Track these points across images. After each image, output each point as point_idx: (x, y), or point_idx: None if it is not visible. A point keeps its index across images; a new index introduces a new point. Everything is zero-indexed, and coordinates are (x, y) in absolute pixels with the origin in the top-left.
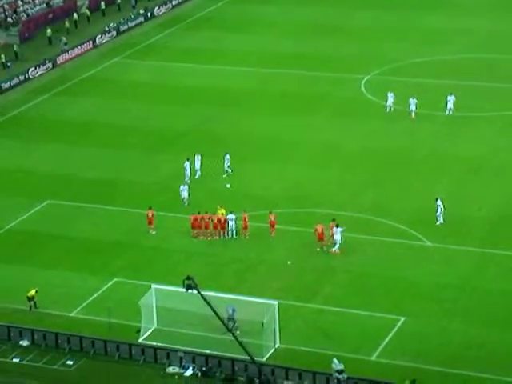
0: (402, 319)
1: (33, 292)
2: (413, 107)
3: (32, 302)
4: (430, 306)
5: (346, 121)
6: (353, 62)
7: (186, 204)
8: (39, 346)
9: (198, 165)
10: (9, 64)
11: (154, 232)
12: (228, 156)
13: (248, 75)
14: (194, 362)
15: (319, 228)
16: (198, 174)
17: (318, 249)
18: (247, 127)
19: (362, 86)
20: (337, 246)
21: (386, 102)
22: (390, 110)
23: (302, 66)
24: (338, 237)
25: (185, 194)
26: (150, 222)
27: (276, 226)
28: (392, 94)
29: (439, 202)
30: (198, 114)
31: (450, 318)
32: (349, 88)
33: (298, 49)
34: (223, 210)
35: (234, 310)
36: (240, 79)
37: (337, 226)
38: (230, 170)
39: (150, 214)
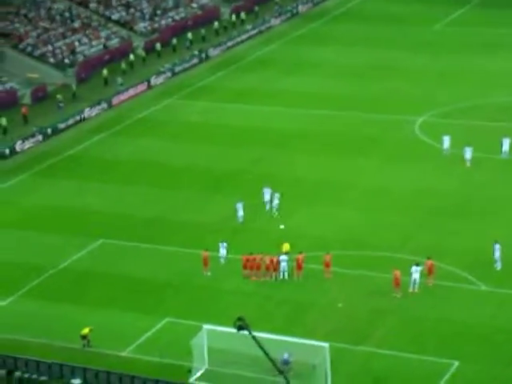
0: (456, 363)
1: (87, 330)
2: (468, 155)
3: (85, 341)
4: (484, 351)
5: (399, 163)
6: (407, 104)
7: (241, 221)
8: None
9: (267, 197)
10: (61, 105)
11: (208, 273)
12: (278, 195)
13: (300, 116)
14: None
15: (397, 273)
16: (272, 207)
17: (395, 294)
18: (299, 169)
19: (417, 128)
20: (415, 285)
21: (443, 145)
22: (447, 153)
23: (355, 107)
24: (416, 275)
25: (240, 213)
26: (205, 264)
27: (331, 268)
28: (448, 137)
29: (498, 245)
30: (249, 154)
31: (505, 362)
32: (403, 130)
33: (351, 90)
34: (287, 245)
35: (290, 355)
36: (292, 120)
37: (417, 265)
38: (276, 212)
39: (206, 256)
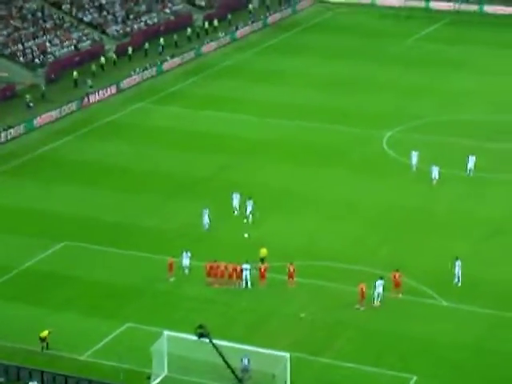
0: (414, 378)
1: (46, 333)
2: (435, 174)
3: (44, 343)
4: (442, 366)
5: (365, 176)
6: (375, 118)
7: (207, 228)
8: None
9: (235, 203)
10: (31, 104)
11: (172, 279)
12: (251, 201)
13: (268, 126)
14: None
15: (362, 286)
16: (245, 214)
17: (358, 307)
18: (265, 177)
19: (384, 143)
20: (378, 298)
21: (411, 160)
22: (415, 169)
23: (324, 119)
24: (380, 289)
25: (206, 220)
26: (170, 269)
27: (294, 278)
28: (416, 153)
29: (458, 262)
30: (216, 161)
31: (462, 378)
32: (370, 144)
33: (321, 102)
34: (265, 250)
35: (249, 361)
36: (260, 129)
37: (381, 279)
38: (250, 217)
39: (171, 262)
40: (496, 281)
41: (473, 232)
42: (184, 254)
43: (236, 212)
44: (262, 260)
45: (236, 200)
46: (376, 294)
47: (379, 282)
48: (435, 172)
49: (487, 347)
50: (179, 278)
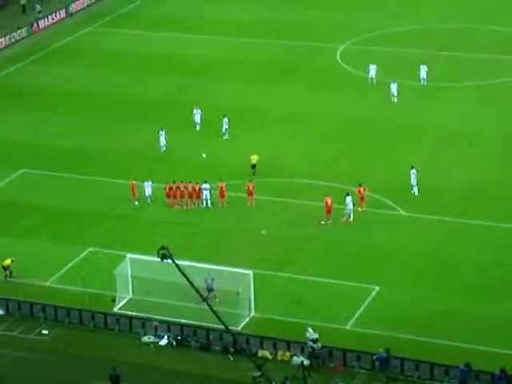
0: (377, 288)
1: (8, 261)
2: (394, 91)
3: (7, 272)
4: (404, 275)
5: (321, 90)
6: (328, 31)
7: (164, 150)
8: (14, 315)
9: (197, 118)
10: None
11: (136, 203)
12: (226, 119)
13: (221, 44)
14: (169, 331)
15: (328, 201)
16: (221, 132)
17: (323, 222)
18: (222, 96)
19: (338, 56)
20: (351, 214)
21: (368, 73)
22: (372, 81)
23: (276, 35)
24: (350, 206)
25: (163, 141)
26: (133, 193)
27: (254, 196)
28: (374, 66)
29: (414, 171)
30: (172, 83)
31: (424, 286)
32: (324, 57)
33: (272, 18)
34: (256, 156)
35: (212, 280)
36: (215, 48)
37: (347, 195)
38: (227, 134)
39: (133, 185)
40: (452, 188)
41: (427, 142)
42: (145, 182)
43: (198, 127)
44: (254, 166)
45: (198, 115)
46: (348, 210)
47: (349, 198)
48: (394, 89)
49: (447, 254)
50: (142, 203)
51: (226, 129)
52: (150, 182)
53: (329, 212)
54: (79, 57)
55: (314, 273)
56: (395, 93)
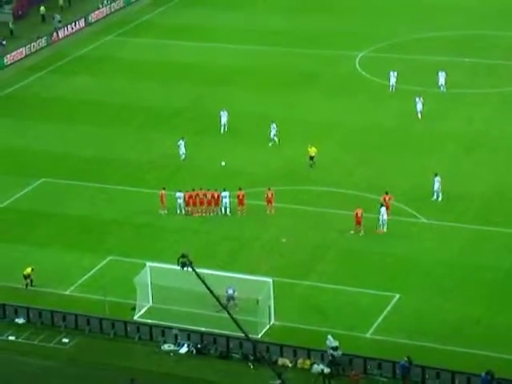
0: (397, 296)
1: (29, 270)
2: (420, 107)
3: (28, 280)
4: (425, 283)
5: (340, 98)
6: (346, 39)
7: (183, 158)
8: (35, 323)
9: (224, 120)
10: (4, 42)
11: (164, 212)
12: (274, 125)
13: (240, 53)
14: (188, 339)
15: (358, 212)
16: (269, 137)
17: (352, 232)
18: (240, 105)
19: (357, 63)
20: (385, 225)
21: (389, 81)
22: (393, 89)
23: (295, 43)
24: (385, 216)
25: (182, 150)
26: (162, 202)
27: (273, 204)
28: (395, 73)
29: (438, 178)
30: (190, 91)
31: (445, 294)
32: (343, 65)
33: (291, 26)
34: (314, 149)
35: (234, 290)
36: (232, 57)
37: (381, 206)
38: (276, 139)
39: (162, 194)
40: (474, 195)
41: (448, 148)
42: (178, 193)
43: (223, 128)
44: (312, 158)
45: (224, 117)
46: (381, 220)
47: (383, 209)
48: (419, 104)
49: (468, 262)
50: (169, 213)
51: (274, 134)
52: (182, 194)
53: (358, 223)
54: (98, 66)
55: (334, 281)
56: (420, 108)
